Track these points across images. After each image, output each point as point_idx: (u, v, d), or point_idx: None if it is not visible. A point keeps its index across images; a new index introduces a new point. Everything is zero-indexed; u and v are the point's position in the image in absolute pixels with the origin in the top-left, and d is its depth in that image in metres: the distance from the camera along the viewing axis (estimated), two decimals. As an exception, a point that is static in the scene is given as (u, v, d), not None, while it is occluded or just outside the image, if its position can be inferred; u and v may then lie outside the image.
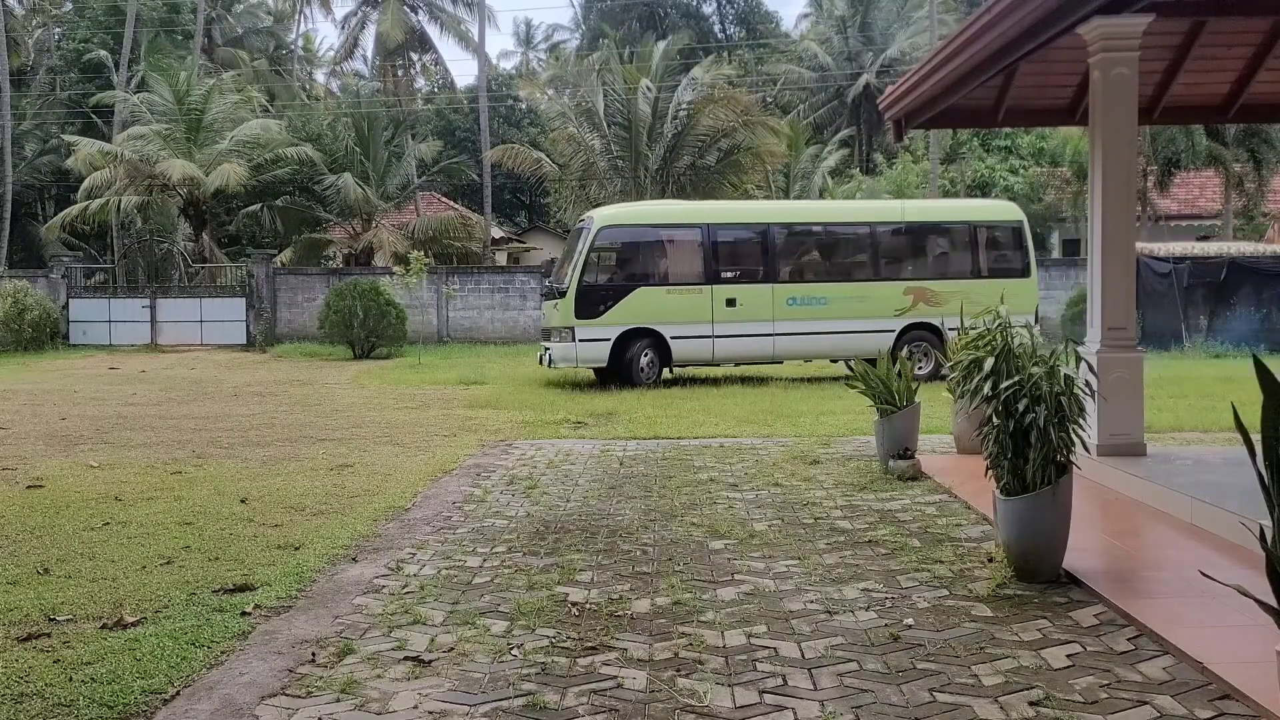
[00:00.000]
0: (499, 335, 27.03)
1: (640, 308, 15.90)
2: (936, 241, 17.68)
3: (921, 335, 16.75)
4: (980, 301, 17.06)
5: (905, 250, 17.60)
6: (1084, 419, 5.32)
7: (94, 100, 33.43)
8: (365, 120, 32.55)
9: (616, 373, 15.85)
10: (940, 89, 8.19)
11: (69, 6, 41.52)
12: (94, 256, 33.67)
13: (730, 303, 16.18)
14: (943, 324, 16.39)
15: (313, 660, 4.38)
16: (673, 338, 15.96)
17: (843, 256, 17.67)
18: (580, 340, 15.60)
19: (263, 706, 3.92)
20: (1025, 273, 17.37)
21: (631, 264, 16.66)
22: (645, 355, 15.85)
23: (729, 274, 16.49)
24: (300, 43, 49.10)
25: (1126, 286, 7.90)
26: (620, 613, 4.93)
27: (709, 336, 16.17)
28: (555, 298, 16.08)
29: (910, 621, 4.73)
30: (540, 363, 16.82)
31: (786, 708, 3.82)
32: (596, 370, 16.54)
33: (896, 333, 16.56)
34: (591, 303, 15.66)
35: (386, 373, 19.40)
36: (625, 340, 15.73)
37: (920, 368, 16.07)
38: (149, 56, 32.19)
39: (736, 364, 16.91)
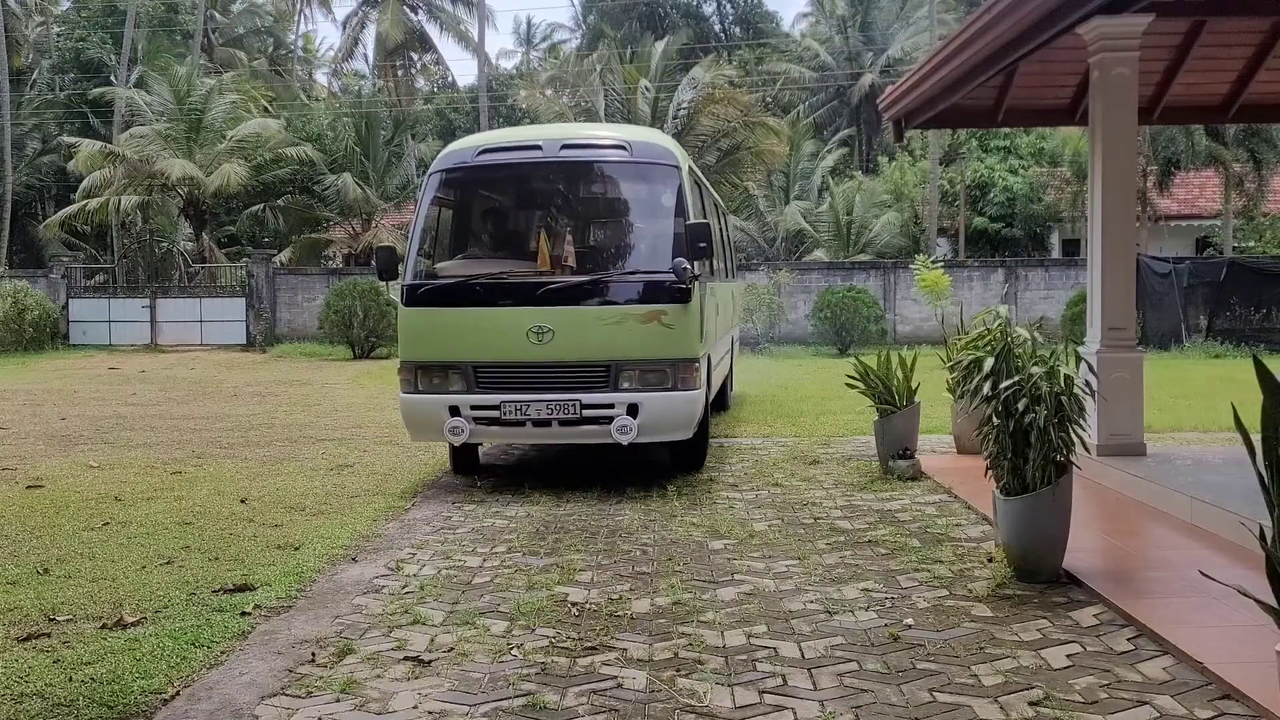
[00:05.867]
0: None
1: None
2: None
3: None
4: None
5: None
6: (1084, 419, 5.32)
7: (93, 98, 33.46)
8: (365, 120, 32.57)
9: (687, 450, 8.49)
10: (940, 89, 8.19)
11: (67, 5, 41.51)
12: (94, 256, 33.66)
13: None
14: None
15: (313, 660, 4.38)
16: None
17: None
18: (700, 386, 8.05)
19: (263, 706, 3.92)
20: None
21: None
22: None
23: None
24: (300, 43, 49.11)
25: (1126, 286, 7.90)
26: (620, 613, 4.93)
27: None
28: (637, 300, 7.83)
29: (910, 621, 4.73)
30: (453, 439, 7.89)
31: (786, 708, 3.82)
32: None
33: None
34: (703, 309, 8.37)
35: (386, 373, 19.37)
36: None
37: None
38: (149, 56, 32.19)
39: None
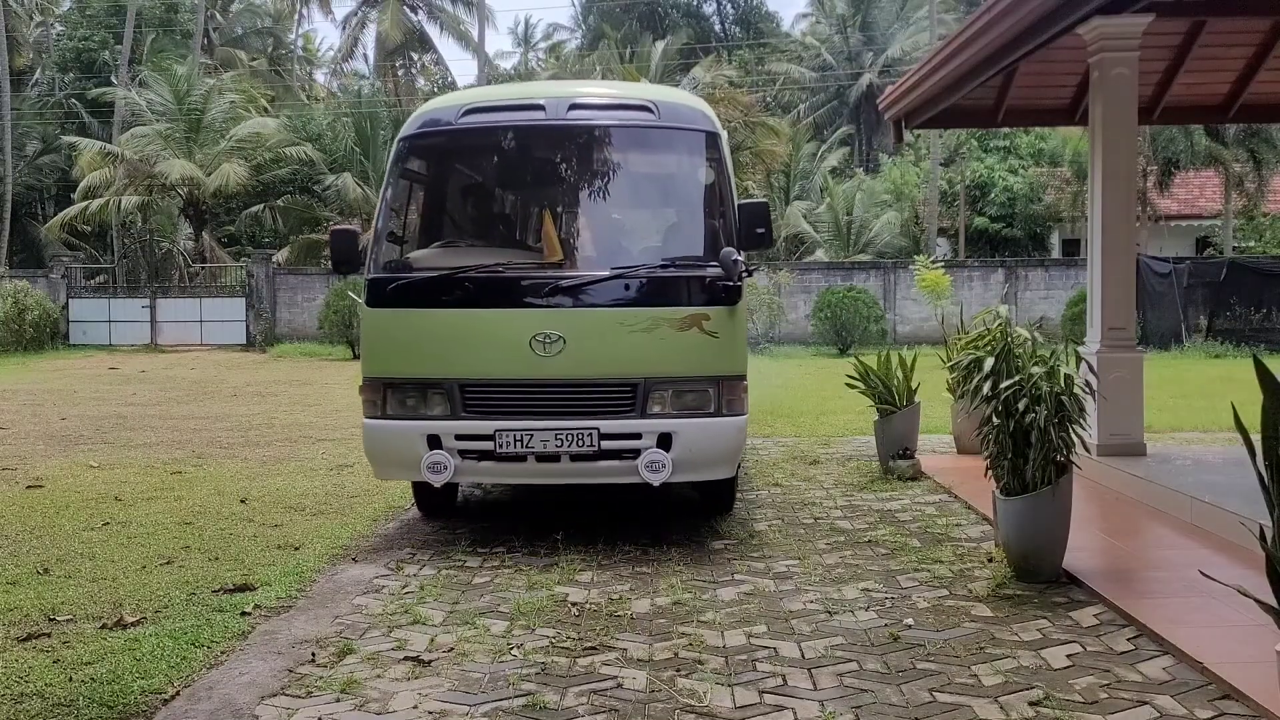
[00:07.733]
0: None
1: None
2: None
3: None
4: None
5: None
6: (1084, 419, 5.32)
7: (93, 97, 33.48)
8: (365, 120, 32.59)
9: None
10: (940, 89, 8.19)
11: (67, 5, 41.52)
12: (94, 256, 33.65)
13: None
14: None
15: (313, 660, 4.38)
16: None
17: None
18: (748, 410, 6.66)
19: (263, 706, 3.92)
20: None
21: None
22: None
23: None
24: (300, 43, 49.14)
25: (1126, 286, 7.90)
26: (620, 613, 4.93)
27: None
28: (690, 300, 6.23)
29: (910, 621, 4.73)
30: (433, 478, 6.16)
31: (786, 708, 3.82)
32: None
33: None
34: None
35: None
36: None
37: None
38: (149, 56, 32.22)
39: None
